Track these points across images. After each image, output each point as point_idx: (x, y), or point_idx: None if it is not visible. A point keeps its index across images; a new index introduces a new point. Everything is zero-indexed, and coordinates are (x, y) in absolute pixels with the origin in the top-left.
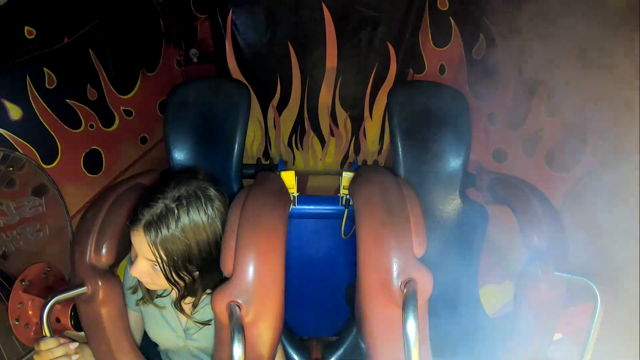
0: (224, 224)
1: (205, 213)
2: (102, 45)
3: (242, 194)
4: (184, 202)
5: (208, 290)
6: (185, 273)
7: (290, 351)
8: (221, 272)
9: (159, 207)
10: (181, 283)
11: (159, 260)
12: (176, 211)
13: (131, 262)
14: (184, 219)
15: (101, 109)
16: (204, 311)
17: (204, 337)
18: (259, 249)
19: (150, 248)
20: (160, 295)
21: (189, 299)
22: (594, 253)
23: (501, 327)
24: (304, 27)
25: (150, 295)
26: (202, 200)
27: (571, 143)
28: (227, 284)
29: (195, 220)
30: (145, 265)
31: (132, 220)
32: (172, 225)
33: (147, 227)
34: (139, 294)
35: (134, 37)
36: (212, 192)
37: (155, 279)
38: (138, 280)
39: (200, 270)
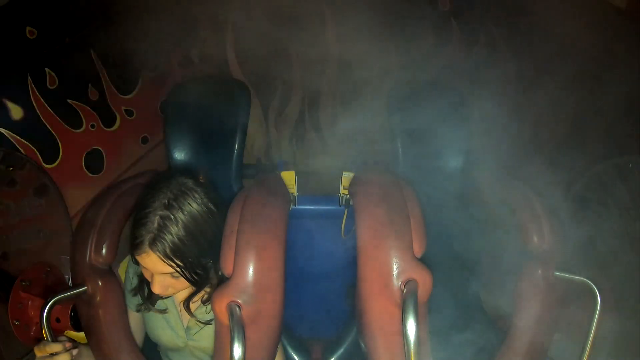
0: (216, 205)
1: (197, 203)
2: (103, 46)
3: (242, 194)
4: (174, 203)
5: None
6: (201, 269)
7: (290, 351)
8: None
9: (154, 221)
10: (199, 279)
11: (178, 269)
12: (172, 216)
13: (134, 263)
14: (182, 218)
15: (102, 109)
16: (206, 310)
17: (205, 337)
18: (259, 249)
19: (165, 262)
20: (161, 297)
21: (196, 297)
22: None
23: (501, 327)
24: (305, 27)
25: (151, 301)
26: (189, 193)
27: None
28: (227, 284)
29: (192, 213)
30: (165, 279)
31: (134, 246)
32: (175, 230)
33: (153, 244)
34: (140, 298)
35: (135, 37)
36: (190, 182)
37: (177, 286)
38: (138, 286)
39: (213, 258)
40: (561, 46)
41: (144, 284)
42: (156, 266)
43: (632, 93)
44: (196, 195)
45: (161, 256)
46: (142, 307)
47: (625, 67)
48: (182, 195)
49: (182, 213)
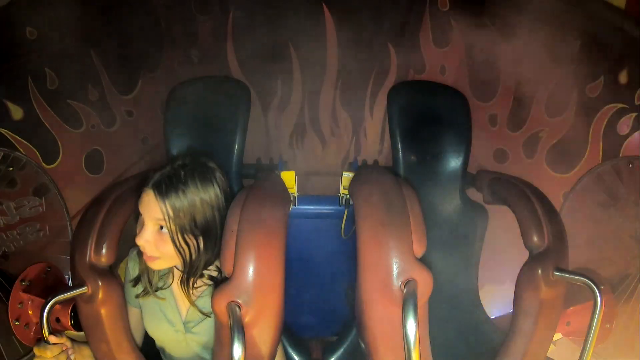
0: (224, 194)
1: (208, 179)
2: (103, 46)
3: (242, 194)
4: (189, 167)
5: (211, 268)
6: (190, 237)
7: (290, 351)
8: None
9: (166, 170)
10: (186, 249)
11: (167, 217)
12: (182, 173)
13: (136, 254)
14: (189, 181)
15: (102, 109)
16: (206, 302)
17: (204, 330)
18: (259, 249)
19: (159, 205)
20: (161, 288)
21: (192, 283)
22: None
23: (501, 327)
24: (305, 27)
25: (151, 285)
26: (205, 168)
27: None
28: (227, 283)
29: (198, 183)
30: (153, 231)
31: (143, 184)
32: (179, 185)
33: (157, 186)
34: (140, 288)
35: (135, 38)
36: (212, 164)
37: (161, 246)
38: (141, 271)
39: (204, 236)
40: (561, 45)
41: (145, 270)
42: (150, 208)
43: (632, 91)
44: (209, 174)
45: (159, 199)
46: (142, 294)
47: (625, 66)
48: (199, 166)
49: (192, 177)
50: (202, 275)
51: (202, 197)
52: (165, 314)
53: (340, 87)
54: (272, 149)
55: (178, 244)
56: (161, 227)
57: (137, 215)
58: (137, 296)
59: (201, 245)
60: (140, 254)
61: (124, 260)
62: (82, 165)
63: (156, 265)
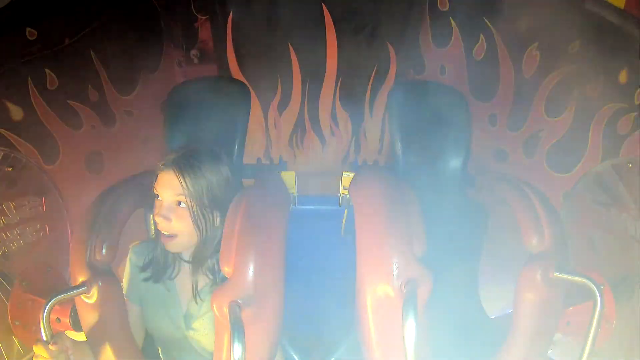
0: (232, 173)
1: (217, 159)
2: (103, 46)
3: (242, 194)
4: (199, 150)
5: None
6: (207, 211)
7: (290, 351)
8: None
9: (180, 153)
10: (203, 223)
11: (187, 192)
12: (195, 154)
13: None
14: (203, 160)
15: (102, 110)
16: (206, 295)
17: (203, 327)
18: (259, 249)
19: (180, 180)
20: (167, 279)
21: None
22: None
23: (501, 327)
24: (304, 27)
25: (162, 268)
26: (212, 151)
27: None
28: (227, 283)
29: (211, 161)
30: (171, 208)
31: (160, 168)
32: (195, 162)
33: (176, 164)
34: (147, 274)
35: (135, 38)
36: (215, 150)
37: (179, 222)
38: (150, 260)
39: (220, 211)
40: (559, 45)
41: (155, 259)
42: (171, 184)
43: (631, 91)
44: (215, 157)
45: (178, 174)
46: (152, 273)
47: (624, 66)
48: (207, 150)
49: (204, 157)
50: (207, 261)
51: (215, 173)
52: (166, 309)
53: (340, 87)
54: (272, 149)
55: (197, 217)
56: (179, 204)
57: (152, 197)
58: (146, 279)
59: (216, 221)
60: (142, 246)
61: (124, 261)
62: (82, 166)
63: (173, 245)
